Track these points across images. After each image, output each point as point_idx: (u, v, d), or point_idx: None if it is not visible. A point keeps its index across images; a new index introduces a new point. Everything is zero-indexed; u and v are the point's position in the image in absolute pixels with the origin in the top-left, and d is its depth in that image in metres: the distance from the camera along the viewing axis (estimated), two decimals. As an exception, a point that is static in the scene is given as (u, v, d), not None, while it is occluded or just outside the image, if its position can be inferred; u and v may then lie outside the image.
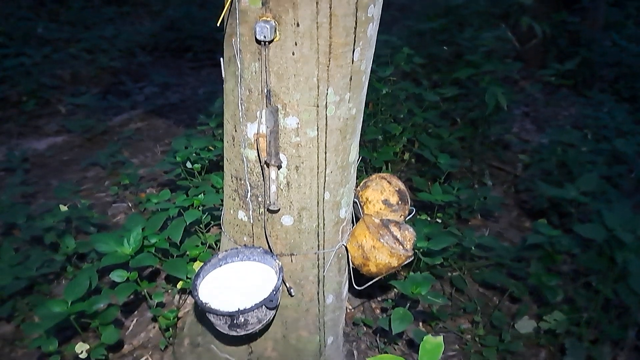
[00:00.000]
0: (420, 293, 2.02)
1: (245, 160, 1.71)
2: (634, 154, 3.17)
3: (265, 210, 1.76)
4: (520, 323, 2.52)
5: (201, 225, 2.51)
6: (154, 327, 2.47)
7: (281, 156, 1.65)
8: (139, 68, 6.37)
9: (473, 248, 2.48)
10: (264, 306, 1.63)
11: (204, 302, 1.65)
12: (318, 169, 1.69)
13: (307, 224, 1.80)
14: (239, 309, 1.61)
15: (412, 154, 3.59)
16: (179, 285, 2.36)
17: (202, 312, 2.05)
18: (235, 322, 1.64)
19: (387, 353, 2.36)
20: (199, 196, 2.39)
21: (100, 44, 6.47)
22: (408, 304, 2.10)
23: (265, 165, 1.65)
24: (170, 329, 2.32)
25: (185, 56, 6.92)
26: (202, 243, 2.52)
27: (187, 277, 2.31)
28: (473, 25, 5.23)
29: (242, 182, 1.77)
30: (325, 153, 1.66)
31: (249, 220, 1.84)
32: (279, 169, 1.65)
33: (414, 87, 3.51)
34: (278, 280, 1.69)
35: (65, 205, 2.79)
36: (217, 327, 1.72)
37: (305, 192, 1.72)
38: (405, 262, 1.87)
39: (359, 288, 1.94)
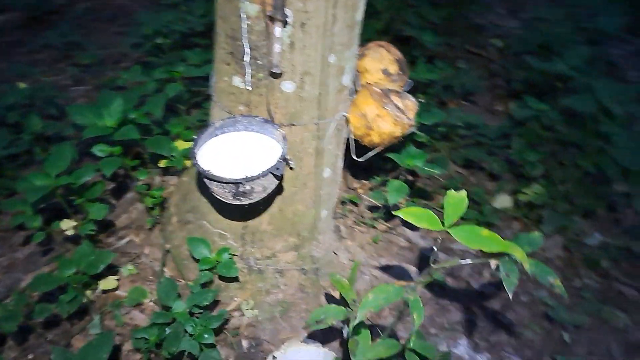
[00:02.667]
0: (416, 165, 2.02)
1: (244, 16, 1.56)
2: (615, 34, 3.18)
3: (267, 74, 1.65)
4: (498, 198, 2.61)
5: (182, 103, 2.37)
6: (136, 209, 2.40)
7: (286, 11, 1.51)
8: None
9: (461, 124, 2.48)
10: (270, 174, 1.58)
11: (206, 170, 1.57)
12: (325, 27, 1.57)
13: (310, 91, 1.71)
14: (245, 176, 1.55)
15: (394, 35, 3.46)
16: (162, 164, 2.27)
17: (201, 183, 1.98)
18: (240, 190, 1.59)
19: (375, 228, 2.41)
20: (179, 68, 2.22)
21: None
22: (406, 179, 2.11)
23: (269, 21, 1.52)
24: (156, 208, 2.25)
25: None
26: (183, 122, 2.39)
27: (171, 156, 2.22)
28: None
29: (240, 42, 1.63)
30: (334, 8, 1.54)
31: (246, 87, 1.72)
32: (284, 26, 1.52)
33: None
34: (284, 148, 1.63)
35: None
36: (218, 197, 1.67)
37: (309, 54, 1.61)
38: (408, 132, 1.84)
39: (359, 160, 1.91)
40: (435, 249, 1.34)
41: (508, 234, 2.49)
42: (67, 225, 1.87)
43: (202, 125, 2.59)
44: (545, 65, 2.54)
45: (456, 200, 1.20)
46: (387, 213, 2.42)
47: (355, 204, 2.51)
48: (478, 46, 4.12)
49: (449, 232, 1.16)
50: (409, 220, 1.16)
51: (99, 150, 1.90)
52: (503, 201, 2.57)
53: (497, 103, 3.64)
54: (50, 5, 4.31)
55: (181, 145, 2.29)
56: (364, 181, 2.71)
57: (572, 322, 2.08)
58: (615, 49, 4.21)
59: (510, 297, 1.16)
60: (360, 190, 2.66)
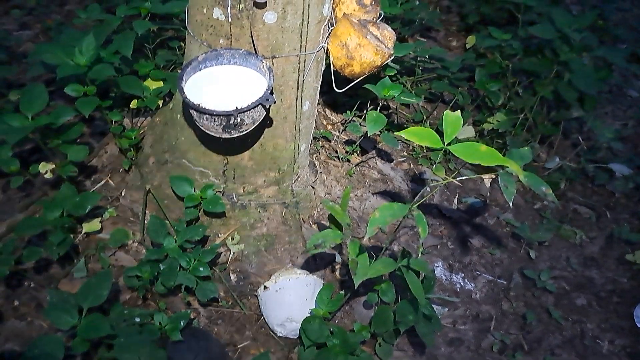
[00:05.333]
0: (392, 95, 2.08)
1: (226, -55, 1.53)
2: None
3: (249, 5, 1.63)
4: (462, 129, 2.73)
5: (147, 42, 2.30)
6: (109, 151, 2.35)
7: (271, -62, 1.49)
8: None
9: (426, 57, 2.56)
10: (260, 105, 1.60)
11: (195, 103, 1.57)
12: (308, -44, 1.56)
13: (291, 21, 1.71)
14: (236, 107, 1.56)
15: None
16: (134, 104, 2.22)
17: (187, 118, 1.97)
18: (231, 122, 1.60)
19: (349, 162, 2.49)
20: (146, 4, 2.14)
21: None
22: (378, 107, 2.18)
23: (254, -51, 1.50)
24: (132, 149, 2.22)
25: None
26: (150, 62, 2.33)
27: (143, 96, 2.18)
28: None
29: (221, -27, 1.60)
30: (317, -64, 1.53)
31: (227, 19, 1.70)
32: (269, -46, 1.51)
33: None
34: (270, 79, 1.64)
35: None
36: (207, 131, 1.68)
37: (292, -17, 1.61)
38: (387, 61, 1.89)
39: (340, 91, 1.95)
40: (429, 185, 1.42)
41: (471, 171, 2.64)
42: (46, 168, 1.82)
43: (170, 64, 2.53)
44: (507, -5, 2.64)
45: (453, 119, 1.28)
46: (360, 147, 2.50)
47: (328, 140, 2.56)
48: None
49: (445, 154, 1.24)
50: (412, 140, 1.24)
51: (72, 90, 1.83)
52: (466, 132, 2.70)
53: (453, 39, 3.73)
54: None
55: (152, 84, 2.24)
56: (332, 117, 2.76)
57: (536, 239, 2.27)
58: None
59: (511, 205, 1.27)
60: (329, 127, 2.71)
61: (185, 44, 1.99)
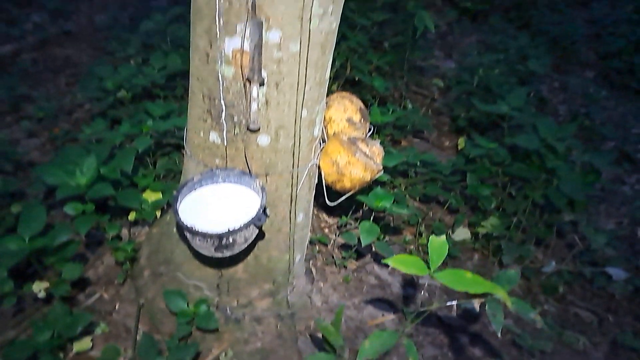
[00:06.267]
0: (384, 206, 2.13)
1: (221, 78, 1.64)
2: (542, 75, 3.49)
3: (243, 130, 1.72)
4: (457, 231, 2.77)
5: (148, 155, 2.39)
6: (105, 263, 2.36)
7: (262, 73, 1.60)
8: (20, -8, 5.61)
9: (418, 164, 2.63)
10: (252, 225, 1.64)
11: (189, 225, 1.61)
12: (298, 86, 1.67)
13: (284, 143, 1.79)
14: (228, 229, 1.60)
15: (344, 79, 3.63)
16: (132, 216, 2.26)
17: (181, 236, 2.00)
18: (223, 243, 1.63)
19: (346, 268, 2.49)
20: (148, 122, 2.25)
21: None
22: (372, 217, 2.21)
23: (246, 82, 1.60)
24: (128, 262, 2.23)
25: (73, -22, 6.19)
26: (150, 174, 2.41)
27: (141, 207, 2.22)
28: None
29: (217, 101, 1.70)
30: (306, 69, 1.65)
31: (223, 142, 1.78)
32: (261, 86, 1.61)
33: (348, 12, 3.50)
34: (262, 198, 1.69)
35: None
36: (200, 250, 1.70)
37: (284, 110, 1.71)
38: (377, 176, 1.95)
39: (332, 204, 2.00)
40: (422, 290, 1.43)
41: (469, 265, 2.63)
42: (40, 287, 1.83)
43: (169, 174, 2.61)
44: (489, 107, 2.76)
45: (438, 245, 1.31)
46: (357, 252, 2.51)
47: (324, 245, 2.58)
48: (421, 86, 4.37)
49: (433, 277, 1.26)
50: (398, 268, 1.26)
51: (71, 209, 1.89)
52: (462, 234, 2.73)
53: (445, 139, 3.86)
54: (-7, 58, 4.22)
55: (150, 196, 2.30)
56: (329, 220, 2.79)
57: (538, 348, 2.21)
58: (544, 85, 4.58)
59: (498, 335, 1.26)
60: (326, 230, 2.74)
61: (184, 158, 2.07)
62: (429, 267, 1.28)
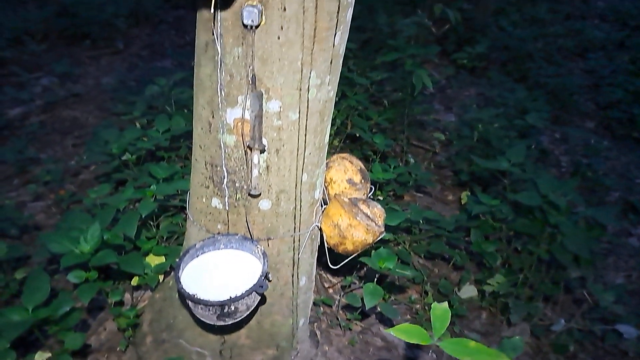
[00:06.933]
0: (388, 267, 2.11)
1: (223, 146, 1.68)
2: (542, 127, 3.53)
3: (244, 195, 1.74)
4: (463, 289, 2.73)
5: (152, 218, 2.41)
6: (107, 329, 2.34)
7: (263, 140, 1.64)
8: (31, 58, 5.82)
9: (420, 222, 2.64)
10: (254, 292, 1.63)
11: (191, 293, 1.60)
12: (298, 151, 1.70)
13: (285, 207, 1.81)
14: (230, 297, 1.59)
15: (345, 136, 3.69)
16: (135, 281, 2.26)
17: (184, 304, 1.99)
18: (225, 311, 1.62)
19: (351, 330, 2.45)
20: (152, 187, 2.28)
21: (-16, 34, 5.83)
22: (375, 278, 2.20)
23: (248, 150, 1.64)
24: (130, 328, 2.21)
25: (82, 44, 6.42)
26: (153, 236, 2.42)
27: (143, 273, 2.22)
28: (380, 12, 5.44)
29: (219, 168, 1.73)
30: (305, 135, 1.68)
31: (224, 208, 1.80)
32: (261, 153, 1.64)
33: (346, 72, 3.60)
34: (264, 265, 1.69)
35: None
36: (202, 319, 1.69)
37: (284, 175, 1.73)
38: (379, 238, 1.95)
39: (335, 267, 2.00)
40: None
41: (477, 324, 2.58)
42: (42, 358, 1.81)
43: (172, 236, 2.62)
44: (489, 164, 2.79)
45: (441, 312, 1.29)
46: (362, 313, 2.48)
47: (329, 306, 2.55)
48: (423, 140, 4.43)
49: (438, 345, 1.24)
50: (401, 338, 1.24)
51: (75, 277, 1.89)
52: (468, 291, 2.69)
53: (448, 193, 3.87)
54: (1, 122, 4.33)
55: (153, 260, 2.30)
56: (333, 280, 2.77)
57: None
58: (545, 136, 4.63)
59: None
60: (331, 291, 2.71)
61: (187, 223, 2.08)
62: (433, 331, 1.26)
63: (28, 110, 4.72)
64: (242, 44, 1.49)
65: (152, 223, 2.47)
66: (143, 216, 2.17)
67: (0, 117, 4.41)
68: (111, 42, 6.48)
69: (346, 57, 4.19)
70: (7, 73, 5.38)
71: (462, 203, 3.46)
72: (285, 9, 1.44)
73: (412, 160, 4.01)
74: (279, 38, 1.48)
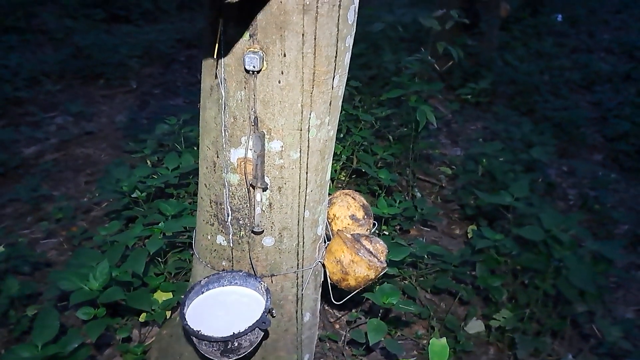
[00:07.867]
0: (391, 303, 2.13)
1: (227, 184, 1.74)
2: (548, 161, 3.56)
3: (248, 232, 1.79)
4: (470, 324, 2.71)
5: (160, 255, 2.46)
6: (114, 366, 2.36)
7: (265, 179, 1.69)
8: (47, 97, 6.01)
9: (426, 256, 2.65)
10: (257, 328, 1.65)
11: (195, 330, 1.63)
12: (299, 189, 1.75)
13: (288, 244, 1.85)
14: (233, 333, 1.62)
15: (351, 170, 3.74)
16: (142, 318, 2.29)
17: (188, 340, 2.01)
18: (229, 347, 1.64)
19: (356, 365, 2.44)
20: (160, 224, 2.34)
21: (3, 74, 6.04)
22: (380, 314, 2.20)
23: (250, 188, 1.69)
24: (137, 364, 2.23)
25: (97, 84, 6.63)
26: (161, 272, 2.46)
27: (151, 309, 2.25)
28: (386, 50, 5.58)
29: (223, 206, 1.79)
30: (307, 173, 1.73)
31: (229, 245, 1.85)
32: (264, 191, 1.69)
33: (351, 109, 3.68)
34: (267, 301, 1.72)
35: (-1, 245, 2.61)
36: (207, 355, 1.71)
37: (287, 212, 1.78)
38: (381, 274, 1.98)
39: (338, 303, 2.02)
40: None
41: (484, 360, 2.56)
42: (47, 396, 1.83)
43: (180, 271, 2.65)
44: (493, 198, 2.81)
45: (439, 348, 1.31)
46: (367, 348, 2.47)
47: (334, 342, 2.55)
48: (429, 174, 4.46)
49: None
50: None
51: (83, 314, 1.93)
52: (475, 326, 2.68)
53: (455, 227, 3.88)
54: (17, 160, 4.45)
55: (161, 296, 2.33)
56: (338, 315, 2.77)
57: None
58: (552, 169, 4.64)
59: None
60: (337, 326, 2.71)
61: (192, 259, 2.13)
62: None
63: (42, 148, 4.86)
64: (245, 87, 1.57)
65: (160, 259, 2.51)
66: (151, 253, 2.21)
67: (16, 155, 4.54)
68: (125, 81, 6.68)
69: (352, 94, 4.33)
70: (24, 112, 5.56)
71: (469, 237, 3.47)
72: (285, 55, 1.51)
73: (418, 195, 4.04)
74: (279, 82, 1.55)
